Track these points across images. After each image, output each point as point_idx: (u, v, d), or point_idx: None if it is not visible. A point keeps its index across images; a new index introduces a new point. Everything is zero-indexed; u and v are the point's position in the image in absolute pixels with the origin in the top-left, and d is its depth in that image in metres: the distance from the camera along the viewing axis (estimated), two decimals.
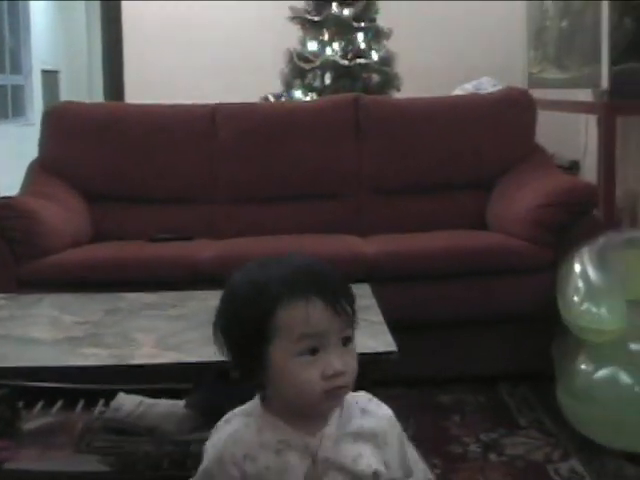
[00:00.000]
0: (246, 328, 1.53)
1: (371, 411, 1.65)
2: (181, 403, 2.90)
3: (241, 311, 1.55)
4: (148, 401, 2.93)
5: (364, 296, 2.91)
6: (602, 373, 3.01)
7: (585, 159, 5.88)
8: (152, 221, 4.23)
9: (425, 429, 3.26)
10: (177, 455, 2.66)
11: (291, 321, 1.50)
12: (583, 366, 3.07)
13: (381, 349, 2.36)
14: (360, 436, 1.61)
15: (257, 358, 1.53)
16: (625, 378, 2.96)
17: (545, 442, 3.14)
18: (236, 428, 1.61)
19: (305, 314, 1.50)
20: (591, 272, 3.23)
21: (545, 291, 3.38)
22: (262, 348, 1.52)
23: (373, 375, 2.38)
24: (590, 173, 5.13)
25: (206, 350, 2.44)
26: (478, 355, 3.66)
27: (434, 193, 4.26)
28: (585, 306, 3.07)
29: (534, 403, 3.50)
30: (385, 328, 2.54)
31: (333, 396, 1.54)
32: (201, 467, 1.64)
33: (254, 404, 1.63)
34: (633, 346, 3.07)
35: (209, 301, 2.95)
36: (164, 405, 2.93)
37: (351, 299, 1.57)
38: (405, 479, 1.67)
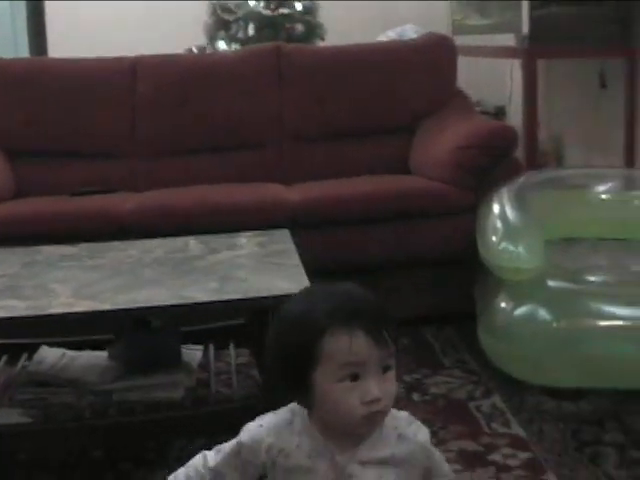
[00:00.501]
0: (293, 354, 1.64)
1: (408, 437, 1.73)
2: (104, 354, 2.90)
3: (289, 339, 1.65)
4: (71, 353, 2.93)
5: (283, 241, 2.93)
6: (521, 311, 3.04)
7: (511, 105, 5.92)
8: (74, 176, 4.18)
9: None
10: (99, 405, 2.67)
11: (334, 350, 1.60)
12: (503, 305, 3.10)
13: (296, 290, 2.36)
14: (389, 463, 1.71)
15: (303, 381, 1.63)
16: (544, 315, 3.00)
17: (468, 381, 3.19)
18: (280, 422, 1.72)
19: (348, 344, 1.59)
20: (509, 212, 3.27)
21: (467, 233, 3.40)
22: (307, 373, 1.62)
23: None
24: (516, 118, 5.17)
25: (122, 298, 2.45)
26: (402, 298, 3.68)
27: (357, 139, 4.25)
28: (503, 245, 3.10)
29: (458, 344, 3.54)
30: (301, 270, 2.55)
31: (371, 421, 1.64)
32: (235, 440, 1.74)
33: (302, 409, 1.71)
34: (551, 284, 3.10)
35: (127, 251, 2.97)
36: (87, 357, 2.93)
37: (391, 329, 1.64)
38: None
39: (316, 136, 4.28)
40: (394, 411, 1.73)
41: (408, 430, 1.74)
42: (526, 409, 2.94)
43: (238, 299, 2.38)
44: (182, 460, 2.60)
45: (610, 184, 3.62)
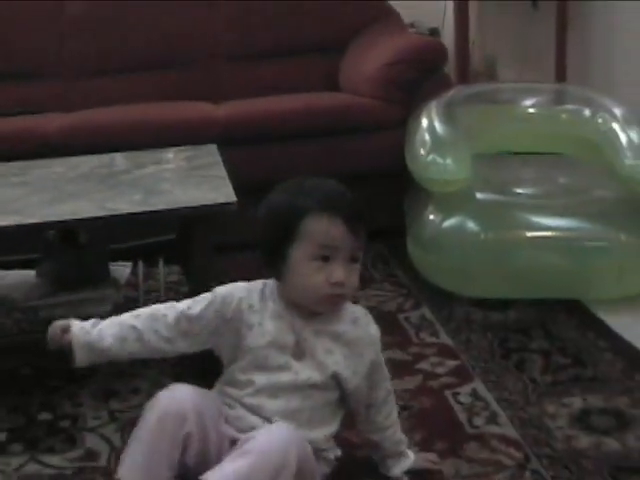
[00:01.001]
0: (277, 229, 1.84)
1: (361, 324, 1.95)
2: (32, 273, 2.88)
3: (276, 215, 1.86)
4: None
5: (209, 155, 2.91)
6: (450, 223, 3.07)
7: (444, 27, 5.90)
8: (2, 97, 4.10)
9: None
10: (26, 322, 2.65)
11: (313, 231, 1.81)
12: (431, 217, 3.13)
13: (221, 200, 2.37)
14: (340, 338, 1.91)
15: (281, 255, 1.83)
16: (472, 227, 3.03)
17: (397, 294, 3.21)
18: (252, 286, 1.94)
19: (326, 227, 1.80)
20: (438, 126, 3.27)
21: (397, 148, 3.40)
22: (285, 247, 1.83)
23: (215, 225, 2.41)
24: (449, 39, 5.16)
25: (48, 211, 2.42)
26: None
27: (287, 58, 4.23)
28: (431, 158, 3.11)
29: (388, 258, 3.56)
30: (227, 182, 2.54)
31: (332, 302, 1.86)
32: (206, 294, 1.94)
33: (273, 282, 1.92)
34: (480, 196, 3.13)
35: (53, 168, 2.93)
36: (15, 275, 2.91)
37: (364, 226, 1.86)
38: (367, 390, 1.98)
39: (246, 55, 4.24)
40: (354, 305, 1.98)
41: (363, 319, 1.96)
42: (454, 319, 2.97)
43: (163, 210, 2.36)
44: (111, 375, 2.64)
45: (538, 98, 3.63)
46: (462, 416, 2.36)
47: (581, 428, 2.28)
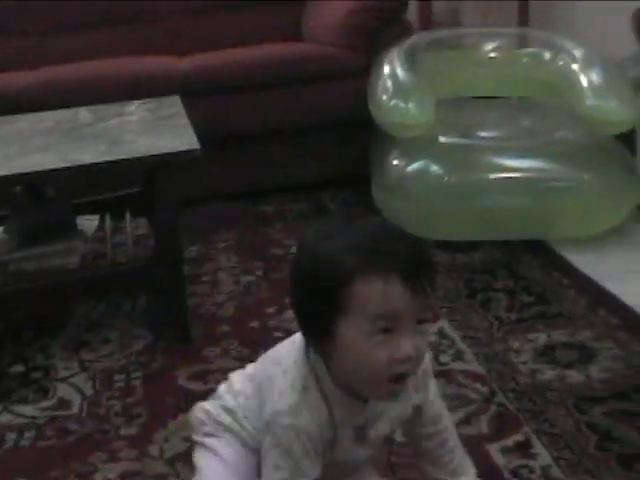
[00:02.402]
0: (317, 299, 1.38)
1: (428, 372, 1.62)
2: (0, 229, 2.88)
3: (313, 281, 1.39)
4: None
5: (173, 106, 2.91)
6: (413, 167, 3.09)
7: None
8: None
9: (248, 237, 3.33)
10: None
11: (367, 299, 1.34)
12: (395, 162, 3.15)
13: (184, 147, 2.38)
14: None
15: (327, 328, 1.38)
16: (436, 170, 3.05)
17: None
18: (307, 402, 1.47)
19: (382, 293, 1.33)
20: (400, 72, 3.28)
21: (361, 96, 3.41)
22: (333, 320, 1.37)
23: (180, 175, 2.42)
24: None
25: (12, 164, 2.42)
26: (299, 164, 3.71)
27: (250, 9, 4.22)
28: (393, 103, 3.12)
29: (354, 205, 3.57)
30: (191, 131, 2.54)
31: (396, 384, 1.41)
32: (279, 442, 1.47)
33: (319, 369, 1.48)
34: (443, 139, 3.15)
35: (17, 124, 2.93)
36: None
37: (432, 276, 1.38)
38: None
39: (208, 7, 4.23)
40: None
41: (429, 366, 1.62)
42: None
43: (126, 159, 2.36)
44: (81, 327, 2.66)
45: (499, 43, 3.64)
46: (430, 365, 2.38)
47: (545, 362, 2.32)
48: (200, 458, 1.68)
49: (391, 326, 1.34)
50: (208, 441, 1.66)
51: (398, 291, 1.33)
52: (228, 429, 1.64)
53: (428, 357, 1.58)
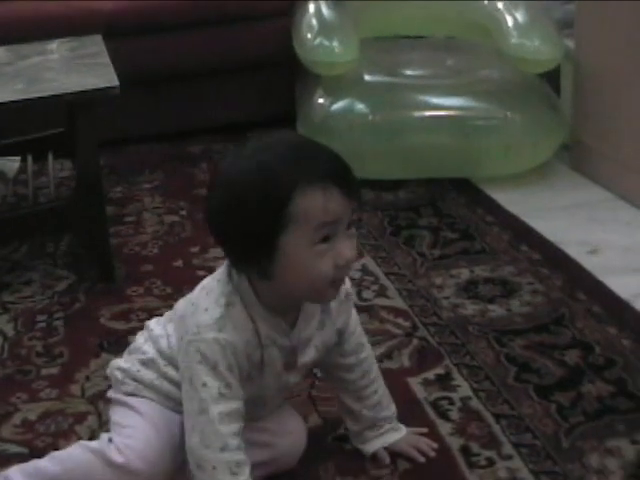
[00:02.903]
0: (254, 221, 1.38)
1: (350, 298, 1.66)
2: None
3: (248, 200, 1.38)
4: None
5: (95, 45, 2.86)
6: (338, 105, 3.09)
7: None
8: None
9: (173, 177, 3.31)
10: None
11: (308, 210, 1.36)
12: (320, 101, 3.14)
13: (104, 85, 2.34)
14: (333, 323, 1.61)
15: (265, 249, 1.39)
16: (360, 108, 3.05)
17: None
18: (232, 316, 1.47)
19: (323, 201, 1.37)
20: (325, 10, 3.27)
21: (286, 35, 3.40)
22: (272, 238, 1.38)
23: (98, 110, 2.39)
24: None
25: None
26: (226, 104, 3.67)
27: None
28: (318, 41, 3.11)
29: None
30: (111, 70, 2.50)
31: (336, 288, 1.47)
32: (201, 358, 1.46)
33: (244, 289, 1.48)
34: (368, 78, 3.15)
35: None
36: None
37: (356, 181, 1.43)
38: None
39: None
40: None
41: (350, 292, 1.66)
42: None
43: (45, 96, 2.32)
44: (3, 269, 2.63)
45: None
46: (352, 290, 2.40)
47: (468, 297, 2.35)
48: (116, 414, 1.65)
49: (331, 233, 1.39)
50: (126, 399, 1.63)
51: (336, 197, 1.37)
52: (149, 386, 1.62)
53: (348, 281, 1.62)
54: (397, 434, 1.76)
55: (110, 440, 1.56)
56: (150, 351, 1.64)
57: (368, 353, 1.72)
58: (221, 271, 1.52)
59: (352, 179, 1.42)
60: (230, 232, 1.43)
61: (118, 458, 1.52)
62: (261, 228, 1.38)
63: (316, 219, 1.37)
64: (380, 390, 1.74)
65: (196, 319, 1.47)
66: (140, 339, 1.69)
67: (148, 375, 1.63)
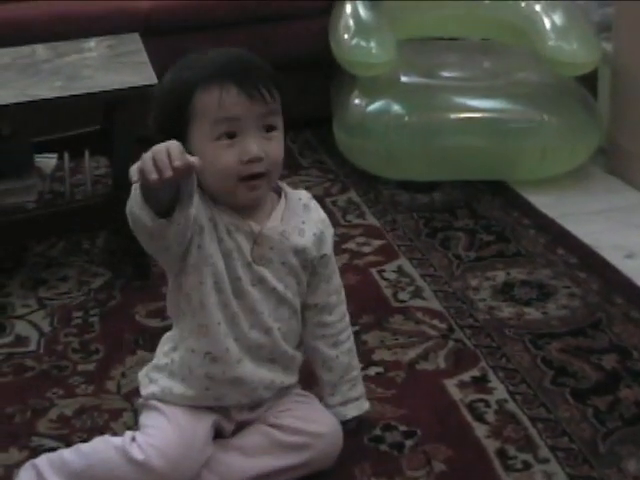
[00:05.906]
0: (169, 111, 1.58)
1: (312, 208, 1.71)
2: None
3: (164, 96, 1.60)
4: None
5: (132, 43, 2.87)
6: (374, 106, 3.08)
7: None
8: None
9: None
10: None
11: (205, 105, 1.54)
12: (357, 101, 3.13)
13: (142, 82, 2.35)
14: (304, 230, 1.67)
15: (182, 142, 1.48)
16: (397, 109, 3.04)
17: (325, 179, 3.22)
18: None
19: (218, 99, 1.52)
20: (362, 11, 3.27)
21: (323, 35, 3.38)
22: (184, 131, 1.56)
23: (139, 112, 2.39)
24: None
25: None
26: None
27: None
28: (355, 41, 3.11)
29: (316, 146, 3.56)
30: (149, 67, 2.51)
31: (251, 185, 1.57)
32: None
33: None
34: (405, 79, 3.15)
35: None
36: None
37: (273, 87, 1.57)
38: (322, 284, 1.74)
39: None
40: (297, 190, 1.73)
41: (311, 202, 1.73)
42: (381, 202, 3.00)
43: (84, 94, 2.33)
44: (39, 265, 2.65)
45: None
46: (388, 291, 2.40)
47: (504, 300, 2.34)
48: (143, 415, 1.68)
49: (235, 131, 1.54)
50: (152, 402, 1.67)
51: (233, 96, 1.52)
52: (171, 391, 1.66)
53: (308, 194, 1.73)
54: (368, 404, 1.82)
55: (133, 438, 1.59)
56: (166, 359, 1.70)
57: (343, 317, 1.78)
58: None
59: (258, 80, 1.54)
60: (156, 130, 1.59)
61: (139, 455, 1.55)
62: (172, 123, 1.56)
63: (212, 114, 1.53)
64: (352, 338, 1.80)
65: None
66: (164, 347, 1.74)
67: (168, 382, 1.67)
